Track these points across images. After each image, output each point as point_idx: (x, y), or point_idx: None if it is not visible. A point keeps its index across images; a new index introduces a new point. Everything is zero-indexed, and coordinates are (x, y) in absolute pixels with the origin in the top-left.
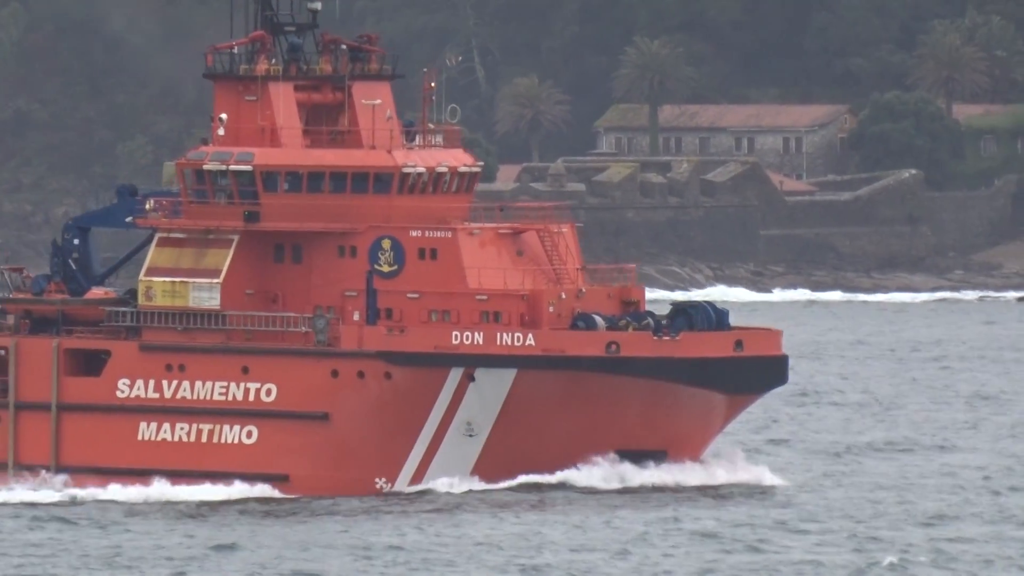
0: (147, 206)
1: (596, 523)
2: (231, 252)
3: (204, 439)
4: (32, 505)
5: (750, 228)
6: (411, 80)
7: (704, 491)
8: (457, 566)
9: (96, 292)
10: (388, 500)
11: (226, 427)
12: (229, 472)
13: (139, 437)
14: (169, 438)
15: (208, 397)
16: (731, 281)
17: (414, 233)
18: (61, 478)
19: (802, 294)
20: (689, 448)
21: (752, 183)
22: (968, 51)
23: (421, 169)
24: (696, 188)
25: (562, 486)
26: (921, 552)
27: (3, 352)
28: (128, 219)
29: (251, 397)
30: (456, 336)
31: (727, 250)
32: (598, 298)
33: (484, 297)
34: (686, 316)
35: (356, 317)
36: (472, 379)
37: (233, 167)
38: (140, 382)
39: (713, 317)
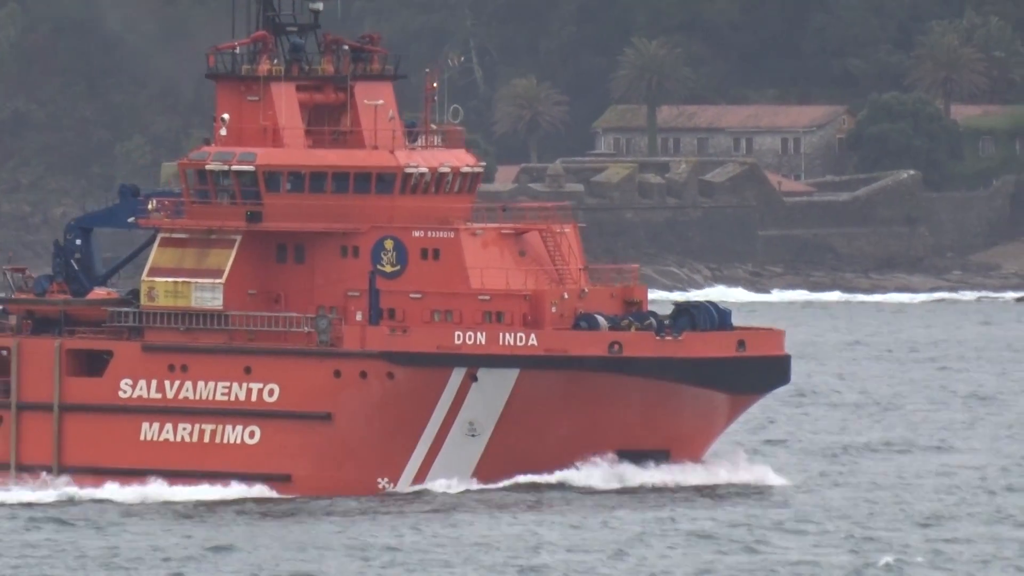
0: (149, 206)
1: (593, 523)
2: (233, 252)
3: (206, 439)
4: (31, 505)
5: (748, 229)
6: (411, 80)
7: (702, 491)
8: (454, 567)
9: (98, 292)
10: (385, 500)
11: (228, 427)
12: (231, 472)
13: (141, 437)
14: (171, 438)
15: (210, 397)
16: (729, 281)
17: (417, 233)
18: (63, 479)
19: (800, 295)
20: (691, 448)
21: (750, 184)
22: (966, 52)
23: (424, 169)
24: (694, 189)
25: (562, 486)
26: (918, 553)
27: (5, 352)
28: (130, 219)
29: (254, 397)
30: (459, 336)
31: (725, 251)
32: (600, 298)
33: (487, 297)
34: (689, 316)
35: (359, 317)
36: (475, 379)
37: (235, 167)
38: (142, 382)
39: (716, 317)
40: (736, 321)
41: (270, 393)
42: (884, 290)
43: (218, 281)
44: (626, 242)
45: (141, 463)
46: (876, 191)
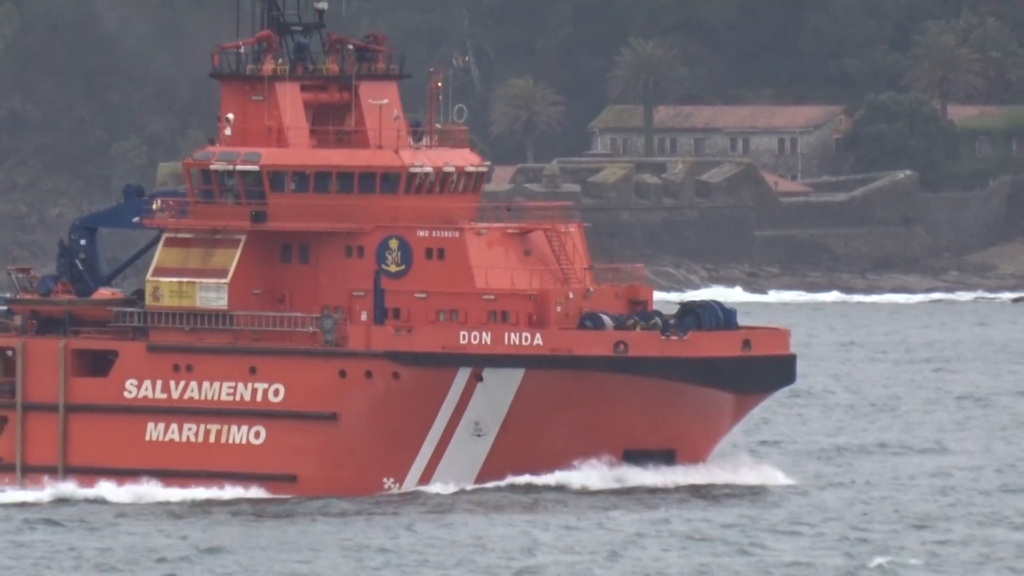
0: (154, 206)
1: (588, 524)
2: (238, 252)
3: (212, 439)
4: (31, 506)
5: (745, 229)
6: (410, 80)
7: (696, 493)
8: (448, 568)
9: (103, 292)
10: (380, 501)
11: (234, 427)
12: (237, 473)
13: (147, 438)
14: (177, 439)
15: (216, 397)
16: (726, 282)
17: (421, 233)
18: (64, 479)
19: (797, 295)
20: (697, 448)
21: (747, 184)
22: (963, 52)
23: (428, 169)
24: (691, 189)
25: (560, 487)
26: (912, 554)
27: (10, 353)
28: (135, 219)
29: (259, 397)
30: (464, 336)
31: (722, 251)
32: (606, 298)
33: (492, 297)
34: (694, 315)
35: (364, 317)
36: (480, 379)
37: (240, 167)
38: (147, 382)
39: (721, 316)
40: None
41: (275, 393)
42: (881, 291)
43: (223, 281)
44: (623, 242)
45: (146, 463)
46: (873, 191)
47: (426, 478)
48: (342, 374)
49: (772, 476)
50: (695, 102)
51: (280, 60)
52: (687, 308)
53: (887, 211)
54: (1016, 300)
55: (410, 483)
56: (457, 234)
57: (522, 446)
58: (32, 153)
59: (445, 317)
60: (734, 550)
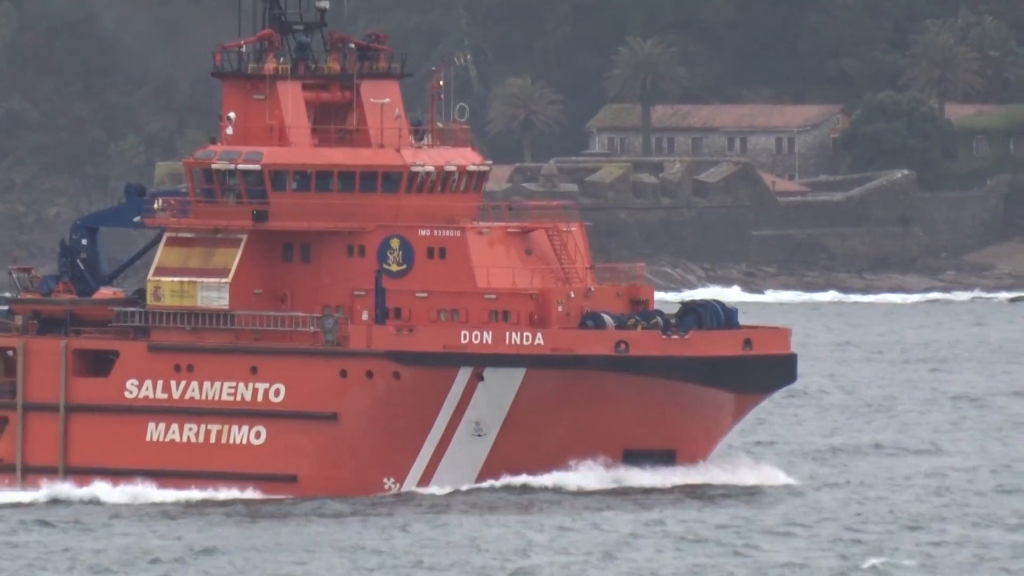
0: (155, 205)
1: (583, 525)
2: (240, 251)
3: (212, 440)
4: (29, 506)
5: (742, 229)
6: (410, 79)
7: (691, 493)
8: (443, 569)
9: (104, 292)
10: (375, 502)
11: (234, 427)
12: (237, 473)
13: (147, 438)
14: (177, 439)
15: (216, 397)
16: (723, 282)
17: (423, 232)
18: (67, 479)
19: (794, 295)
20: (698, 448)
21: (744, 183)
22: (961, 51)
23: (430, 168)
24: (688, 188)
25: (558, 487)
26: (907, 555)
27: (11, 353)
28: (136, 219)
29: (260, 397)
30: (465, 335)
31: (719, 251)
32: (607, 297)
33: (493, 296)
34: (695, 315)
35: (365, 316)
36: (481, 378)
37: (241, 166)
38: (148, 382)
39: (722, 316)
40: None
41: (276, 393)
42: (878, 290)
43: (224, 280)
44: (620, 242)
45: (147, 464)
46: (870, 191)
47: (427, 478)
48: (343, 374)
49: (773, 476)
50: (693, 101)
51: (282, 59)
52: (688, 307)
53: (884, 211)
54: (1013, 300)
55: (411, 483)
56: (459, 233)
57: (523, 446)
58: (30, 153)
59: (446, 316)
60: (728, 551)
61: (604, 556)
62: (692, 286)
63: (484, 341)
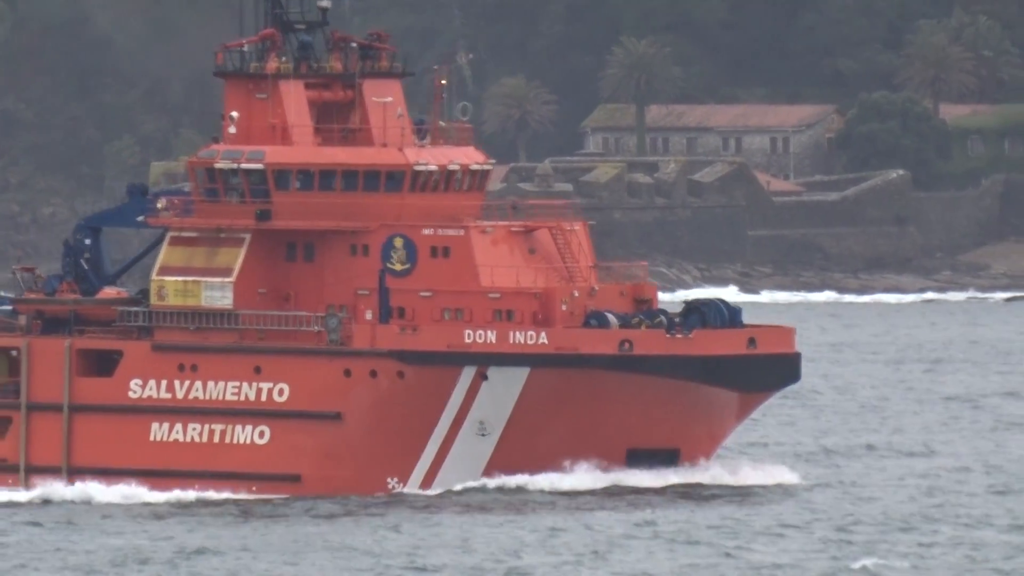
0: (159, 205)
1: (575, 525)
2: (243, 251)
3: (216, 439)
4: (28, 505)
5: (737, 229)
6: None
7: (684, 493)
8: (436, 570)
9: (108, 292)
10: (368, 503)
11: (238, 427)
12: (241, 473)
13: (151, 438)
14: (181, 439)
15: (220, 397)
16: (719, 282)
17: (426, 231)
18: (70, 479)
19: (790, 295)
20: (702, 447)
21: (739, 183)
22: (955, 51)
23: (433, 167)
24: (683, 188)
25: (553, 487)
26: (899, 556)
27: (15, 352)
28: (140, 218)
29: (263, 397)
30: (469, 335)
31: (714, 251)
32: (610, 296)
33: (497, 295)
34: (699, 314)
35: (368, 316)
36: (485, 378)
37: (244, 166)
38: (152, 382)
39: (726, 315)
40: None
41: (280, 393)
42: (873, 290)
43: (228, 280)
44: (615, 242)
45: (151, 464)
46: (865, 191)
47: (430, 478)
48: (347, 373)
49: (779, 475)
50: (687, 101)
51: (284, 58)
52: (692, 306)
53: (879, 210)
54: (1008, 300)
55: (414, 483)
56: (462, 232)
57: (527, 445)
58: (24, 152)
59: (450, 316)
60: (720, 552)
61: (596, 556)
62: (687, 286)
63: (488, 340)
